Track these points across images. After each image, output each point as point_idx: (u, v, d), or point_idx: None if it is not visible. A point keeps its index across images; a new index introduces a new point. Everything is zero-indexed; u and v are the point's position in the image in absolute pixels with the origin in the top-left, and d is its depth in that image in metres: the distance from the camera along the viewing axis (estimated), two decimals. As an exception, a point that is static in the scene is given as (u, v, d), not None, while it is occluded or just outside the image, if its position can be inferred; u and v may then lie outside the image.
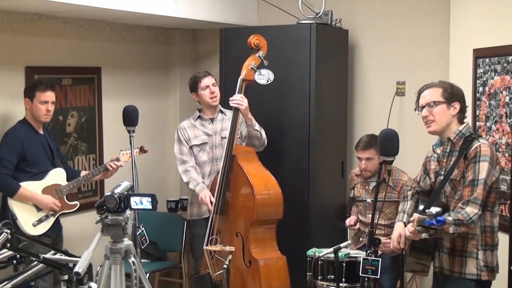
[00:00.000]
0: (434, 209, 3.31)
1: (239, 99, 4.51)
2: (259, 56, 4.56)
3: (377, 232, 3.70)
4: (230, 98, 4.57)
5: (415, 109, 3.50)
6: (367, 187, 4.64)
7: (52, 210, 4.35)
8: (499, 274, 3.47)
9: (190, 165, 4.72)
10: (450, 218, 3.21)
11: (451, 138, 3.40)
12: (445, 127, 3.41)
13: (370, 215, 4.51)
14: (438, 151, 3.52)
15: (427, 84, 3.49)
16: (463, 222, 3.21)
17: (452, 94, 3.40)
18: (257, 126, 4.67)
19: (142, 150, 4.74)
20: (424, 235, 3.13)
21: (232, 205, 4.48)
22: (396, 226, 3.55)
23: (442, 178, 3.44)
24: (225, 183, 4.46)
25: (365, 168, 4.59)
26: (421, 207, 3.52)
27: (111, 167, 4.58)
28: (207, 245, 4.44)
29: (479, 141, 3.32)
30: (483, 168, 3.25)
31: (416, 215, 3.19)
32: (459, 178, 3.35)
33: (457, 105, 3.39)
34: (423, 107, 3.43)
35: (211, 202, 4.50)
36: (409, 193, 3.67)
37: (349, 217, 4.73)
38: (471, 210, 3.23)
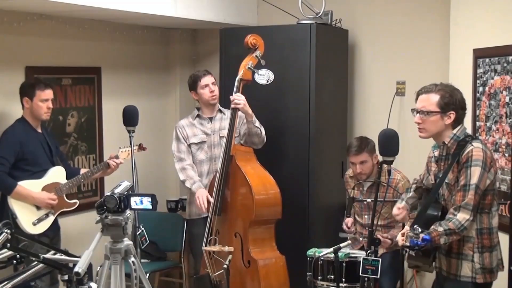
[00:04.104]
0: (432, 212, 3.36)
1: (235, 99, 4.51)
2: (256, 55, 4.56)
3: (375, 233, 3.71)
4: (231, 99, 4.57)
5: (412, 109, 3.48)
6: (361, 188, 4.64)
7: (50, 206, 4.34)
8: (499, 274, 3.46)
9: (187, 163, 4.73)
10: (440, 229, 3.22)
11: (446, 143, 3.39)
12: (436, 134, 3.40)
13: (366, 216, 4.54)
14: (436, 153, 3.52)
15: (427, 86, 3.43)
16: (454, 230, 3.22)
17: (449, 103, 3.34)
18: (257, 123, 4.67)
19: (140, 147, 4.73)
20: (411, 252, 3.21)
21: (230, 205, 4.48)
22: (394, 207, 3.68)
23: (438, 181, 3.45)
24: (223, 183, 4.46)
25: (361, 172, 4.56)
26: (419, 209, 3.53)
27: (112, 164, 4.57)
28: (206, 246, 4.45)
29: (472, 145, 3.29)
30: (475, 173, 3.24)
31: (407, 229, 3.24)
32: (454, 183, 3.35)
33: (452, 115, 3.34)
34: (418, 111, 3.41)
35: (209, 202, 4.50)
36: (414, 185, 3.71)
37: (349, 217, 4.72)
38: (463, 217, 3.22)
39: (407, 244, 3.18)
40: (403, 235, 3.26)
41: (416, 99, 3.45)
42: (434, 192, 3.43)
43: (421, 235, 3.15)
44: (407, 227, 3.31)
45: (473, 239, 3.33)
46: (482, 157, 3.26)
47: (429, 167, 3.61)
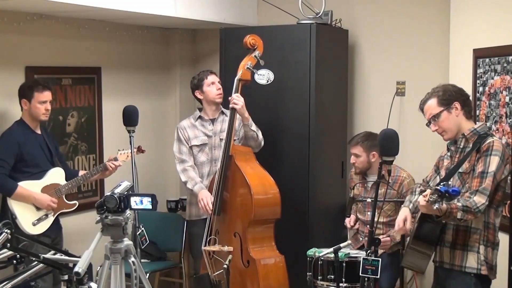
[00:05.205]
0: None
1: (234, 99, 4.52)
2: (255, 56, 4.55)
3: (376, 231, 3.71)
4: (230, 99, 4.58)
5: (426, 124, 3.56)
6: (365, 185, 4.65)
7: (50, 208, 4.35)
8: (499, 274, 3.47)
9: (189, 165, 4.72)
10: (459, 204, 3.24)
11: (465, 135, 3.46)
12: (456, 130, 3.48)
13: (369, 213, 4.54)
14: (452, 148, 3.55)
15: (423, 98, 3.57)
16: (470, 209, 3.24)
17: (446, 98, 3.46)
18: (253, 127, 4.67)
19: (139, 150, 4.74)
20: (436, 206, 3.03)
21: (230, 205, 4.48)
22: (401, 211, 3.62)
23: (451, 169, 3.48)
24: (223, 184, 4.45)
25: (353, 163, 4.66)
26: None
27: (110, 166, 4.58)
28: (205, 246, 4.44)
29: (493, 138, 3.39)
30: (494, 161, 3.31)
31: (429, 190, 3.18)
32: (469, 171, 3.39)
33: (457, 105, 3.45)
34: (429, 122, 3.52)
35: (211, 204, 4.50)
36: (418, 189, 3.72)
37: (349, 217, 4.73)
38: (479, 200, 3.26)
39: (437, 192, 3.01)
40: (425, 196, 3.14)
41: (424, 114, 3.56)
42: (448, 176, 3.45)
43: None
44: (428, 190, 3.24)
45: (480, 231, 3.38)
46: (502, 149, 3.35)
47: (439, 166, 3.62)
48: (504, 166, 3.35)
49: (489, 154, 3.32)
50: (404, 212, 3.58)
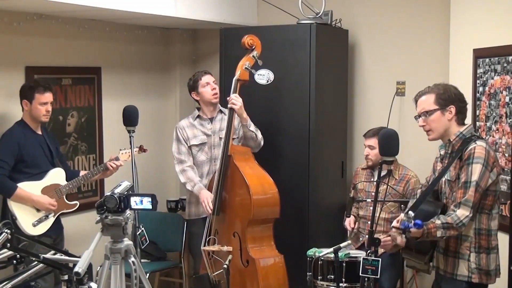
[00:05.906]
0: (432, 209, 3.34)
1: (232, 99, 4.52)
2: (253, 56, 4.56)
3: (377, 228, 3.71)
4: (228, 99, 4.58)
5: (415, 117, 3.52)
6: (372, 178, 4.67)
7: (48, 210, 4.35)
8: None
9: (188, 165, 4.72)
10: (438, 222, 3.23)
11: (451, 140, 3.41)
12: (443, 133, 3.43)
13: (371, 208, 4.53)
14: (442, 152, 3.54)
15: (421, 90, 3.50)
16: (452, 225, 3.22)
17: (445, 98, 3.39)
18: (252, 127, 4.67)
19: (141, 149, 4.74)
20: (402, 238, 3.17)
21: (229, 205, 4.48)
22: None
23: (434, 179, 3.46)
24: (222, 184, 4.46)
25: (367, 156, 4.73)
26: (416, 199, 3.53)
27: (111, 166, 4.58)
28: (204, 246, 4.45)
29: (475, 143, 3.31)
30: (475, 170, 3.25)
31: (401, 216, 3.23)
32: (455, 179, 3.36)
33: (452, 109, 3.38)
34: (419, 115, 3.46)
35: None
36: (419, 191, 3.72)
37: (349, 217, 4.73)
38: (462, 213, 3.23)
39: (400, 227, 3.12)
40: (398, 221, 3.23)
41: (416, 105, 3.51)
42: (432, 184, 3.44)
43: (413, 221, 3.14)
44: (402, 215, 3.28)
45: (470, 238, 3.34)
46: (484, 155, 3.27)
47: (435, 168, 3.61)
48: (489, 172, 3.27)
49: (471, 163, 3.26)
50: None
